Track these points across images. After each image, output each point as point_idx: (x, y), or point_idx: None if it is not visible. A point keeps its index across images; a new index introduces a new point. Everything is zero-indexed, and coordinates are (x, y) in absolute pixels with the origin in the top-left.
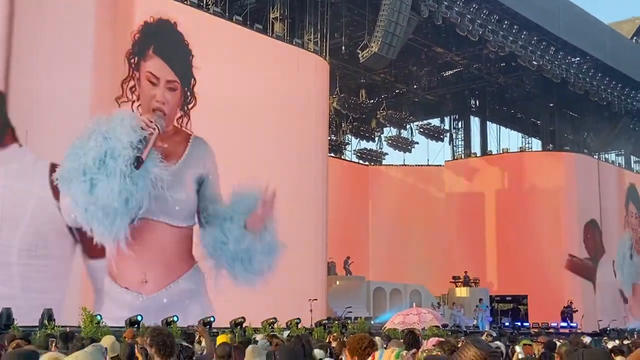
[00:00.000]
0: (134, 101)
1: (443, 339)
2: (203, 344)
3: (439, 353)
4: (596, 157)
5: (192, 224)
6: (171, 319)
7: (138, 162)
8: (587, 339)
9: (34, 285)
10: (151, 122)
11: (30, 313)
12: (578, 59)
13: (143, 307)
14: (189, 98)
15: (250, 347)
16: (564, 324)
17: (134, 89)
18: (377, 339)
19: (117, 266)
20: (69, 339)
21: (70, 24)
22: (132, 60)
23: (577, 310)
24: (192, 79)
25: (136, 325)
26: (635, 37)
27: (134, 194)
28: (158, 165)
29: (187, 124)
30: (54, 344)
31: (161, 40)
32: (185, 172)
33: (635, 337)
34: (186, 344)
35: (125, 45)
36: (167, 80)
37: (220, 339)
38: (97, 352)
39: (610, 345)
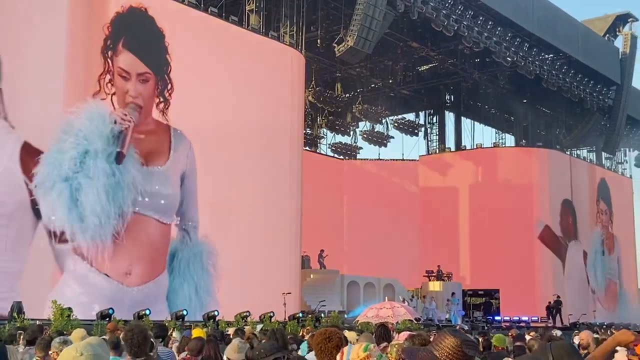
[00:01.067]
0: (113, 94)
1: (415, 333)
2: (175, 335)
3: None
4: (568, 153)
5: (174, 220)
6: (143, 312)
7: (119, 157)
8: (557, 333)
9: None
10: (125, 115)
11: None
12: (551, 55)
13: (118, 298)
14: (167, 84)
15: (236, 340)
16: (535, 318)
17: (110, 83)
18: (346, 332)
19: (101, 254)
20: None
21: (42, 15)
22: (107, 54)
23: (562, 305)
24: (168, 65)
25: (107, 318)
26: (607, 35)
27: (119, 190)
28: (136, 159)
29: (167, 109)
30: (22, 337)
31: (132, 31)
32: (173, 168)
33: (600, 332)
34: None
35: (99, 37)
36: (138, 74)
37: (196, 333)
38: (99, 345)
39: (578, 339)
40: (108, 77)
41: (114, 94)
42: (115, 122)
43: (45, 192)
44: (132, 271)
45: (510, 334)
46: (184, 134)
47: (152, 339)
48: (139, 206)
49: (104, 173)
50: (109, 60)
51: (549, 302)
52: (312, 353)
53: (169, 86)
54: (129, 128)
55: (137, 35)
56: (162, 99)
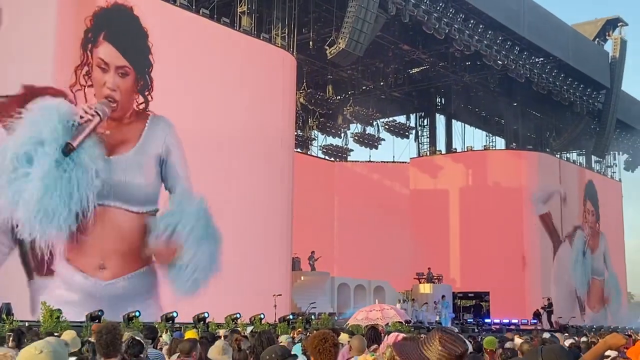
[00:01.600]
0: (90, 85)
1: (406, 335)
2: (164, 338)
3: None
4: (558, 156)
5: (153, 209)
6: (133, 314)
7: (67, 149)
8: (546, 335)
9: None
10: (90, 108)
11: None
12: (542, 59)
13: (97, 293)
14: (148, 84)
15: (220, 342)
16: (525, 321)
17: (87, 76)
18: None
19: (72, 250)
20: (22, 335)
21: (31, 14)
22: (87, 47)
23: (552, 307)
24: (149, 64)
25: (97, 320)
26: (597, 39)
27: (73, 184)
28: (98, 150)
29: (146, 108)
30: (10, 339)
31: (115, 26)
32: (143, 153)
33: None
34: (138, 339)
35: (81, 31)
36: (117, 67)
37: (188, 334)
38: (58, 344)
39: (568, 342)
40: (85, 69)
41: (90, 85)
42: (77, 116)
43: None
44: (106, 265)
45: (506, 336)
46: (170, 121)
47: (142, 340)
48: (103, 198)
49: (54, 168)
50: (87, 52)
51: (536, 310)
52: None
53: (150, 86)
54: (90, 122)
55: (120, 31)
56: (142, 98)
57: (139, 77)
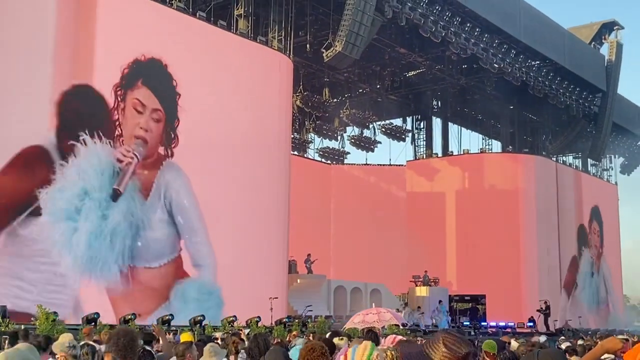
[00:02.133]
0: (119, 125)
1: (403, 338)
2: (161, 342)
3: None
4: (554, 159)
5: (173, 257)
6: (129, 316)
7: (115, 195)
8: (542, 338)
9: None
10: (128, 151)
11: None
12: (538, 62)
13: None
14: (172, 137)
15: (208, 345)
16: (521, 324)
17: (118, 121)
18: (335, 339)
19: (110, 299)
20: (20, 338)
21: (28, 57)
22: (119, 92)
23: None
24: (177, 119)
25: (93, 323)
26: (593, 42)
27: (118, 234)
28: (136, 198)
29: (171, 157)
30: (6, 342)
31: (150, 75)
32: (157, 202)
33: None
34: (148, 349)
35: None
36: (153, 109)
37: (184, 337)
38: (29, 350)
39: (564, 345)
40: (116, 115)
41: (121, 131)
42: (115, 159)
43: (49, 230)
44: (140, 310)
45: (502, 339)
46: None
47: (148, 348)
48: (132, 259)
49: (101, 218)
50: (119, 97)
51: (531, 317)
52: None
53: (175, 142)
54: (130, 164)
55: (154, 79)
56: (166, 151)
57: (167, 128)
